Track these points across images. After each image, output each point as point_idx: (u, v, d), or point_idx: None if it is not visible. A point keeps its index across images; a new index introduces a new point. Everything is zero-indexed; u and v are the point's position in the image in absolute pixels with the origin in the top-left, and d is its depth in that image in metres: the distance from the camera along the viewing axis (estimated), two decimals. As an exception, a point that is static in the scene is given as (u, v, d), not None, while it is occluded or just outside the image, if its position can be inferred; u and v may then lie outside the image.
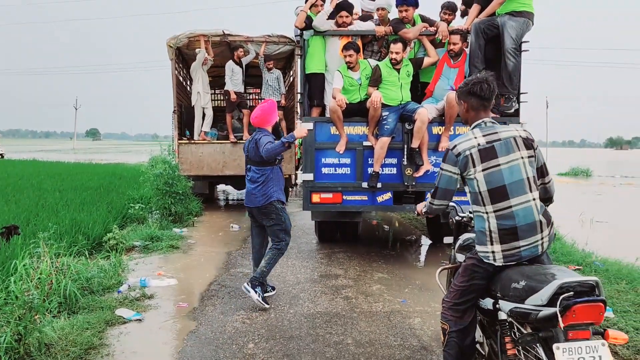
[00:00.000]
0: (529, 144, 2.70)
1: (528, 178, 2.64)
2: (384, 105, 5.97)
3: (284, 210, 5.02)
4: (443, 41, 6.14)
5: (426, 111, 5.87)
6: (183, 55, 11.69)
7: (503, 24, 5.83)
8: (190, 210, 9.88)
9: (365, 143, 6.16)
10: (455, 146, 2.79)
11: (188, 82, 12.51)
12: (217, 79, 13.08)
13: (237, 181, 12.17)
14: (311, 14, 6.37)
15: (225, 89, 10.90)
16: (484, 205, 2.65)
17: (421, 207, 3.20)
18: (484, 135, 2.73)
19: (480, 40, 5.89)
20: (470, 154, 2.70)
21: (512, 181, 2.62)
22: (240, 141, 10.85)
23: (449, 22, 6.26)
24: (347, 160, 6.22)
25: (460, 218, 3.32)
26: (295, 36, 6.62)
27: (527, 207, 2.60)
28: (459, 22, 6.47)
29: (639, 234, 9.60)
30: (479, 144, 2.71)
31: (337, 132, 6.15)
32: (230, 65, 10.70)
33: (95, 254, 6.46)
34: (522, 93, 6.04)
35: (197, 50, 10.59)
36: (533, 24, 5.91)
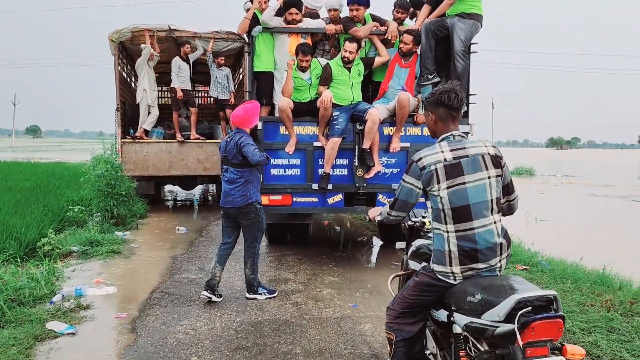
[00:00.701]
0: (497, 162, 2.57)
1: (492, 200, 2.52)
2: (334, 105, 5.85)
3: (262, 211, 5.08)
4: (392, 41, 6.07)
5: (377, 111, 5.79)
6: (127, 51, 11.21)
7: (452, 25, 5.81)
8: (134, 213, 9.46)
9: (316, 143, 6.02)
10: (420, 159, 2.59)
11: (133, 79, 12.06)
12: (163, 76, 12.66)
13: (184, 181, 11.82)
14: (258, 12, 6.17)
15: (171, 86, 10.53)
16: (446, 224, 2.53)
17: (374, 213, 3.06)
18: (451, 150, 2.56)
19: (431, 41, 5.86)
20: (436, 169, 2.53)
21: (477, 202, 2.49)
22: (188, 140, 10.54)
23: (401, 21, 6.21)
24: (297, 161, 6.06)
25: (412, 223, 3.22)
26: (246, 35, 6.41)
27: (488, 230, 2.49)
28: (408, 24, 6.42)
29: (581, 233, 9.92)
30: (445, 159, 2.54)
31: (287, 132, 5.98)
32: (176, 61, 10.34)
33: (27, 261, 6.02)
34: (471, 94, 6.06)
35: (141, 45, 10.15)
36: (482, 26, 5.93)
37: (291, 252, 7.17)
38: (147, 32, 10.14)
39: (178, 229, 8.81)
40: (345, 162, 6.08)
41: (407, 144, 6.05)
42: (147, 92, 10.26)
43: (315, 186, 6.00)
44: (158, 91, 14.55)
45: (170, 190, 15.25)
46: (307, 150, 6.03)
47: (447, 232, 2.52)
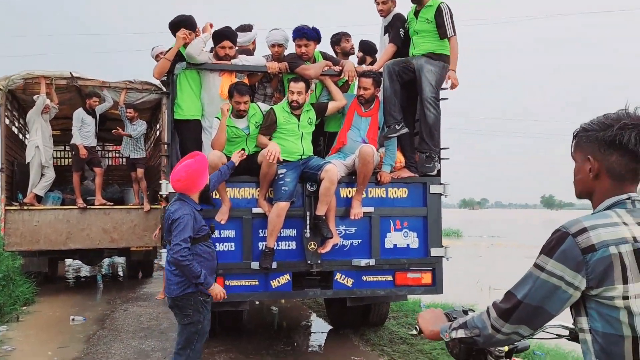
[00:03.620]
0: None
1: None
2: (279, 161, 4.61)
3: (207, 305, 3.72)
4: (350, 82, 5.02)
5: (336, 168, 4.60)
6: (19, 101, 9.49)
7: (420, 67, 4.87)
8: (15, 299, 7.49)
9: (255, 210, 4.71)
10: (584, 231, 1.35)
11: (26, 135, 10.27)
12: (66, 134, 10.95)
13: (87, 255, 9.94)
14: (183, 49, 4.90)
15: (72, 142, 8.88)
16: None
17: (435, 323, 1.66)
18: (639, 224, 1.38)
19: (396, 84, 4.86)
20: (620, 254, 1.32)
21: None
22: (91, 207, 8.82)
23: (348, 50, 5.28)
24: (231, 233, 4.70)
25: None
26: (162, 81, 5.11)
27: None
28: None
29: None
30: (635, 239, 1.34)
31: (217, 196, 4.64)
32: (79, 114, 8.77)
33: None
34: (443, 148, 5.06)
35: (35, 97, 8.53)
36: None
37: (221, 346, 5.64)
38: (43, 79, 8.56)
39: (73, 319, 6.96)
40: (293, 233, 4.78)
41: (370, 209, 4.87)
42: (39, 150, 8.53)
43: (255, 265, 4.63)
44: (59, 150, 12.84)
45: (71, 264, 13.07)
46: (244, 218, 4.69)
47: None
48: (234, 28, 5.20)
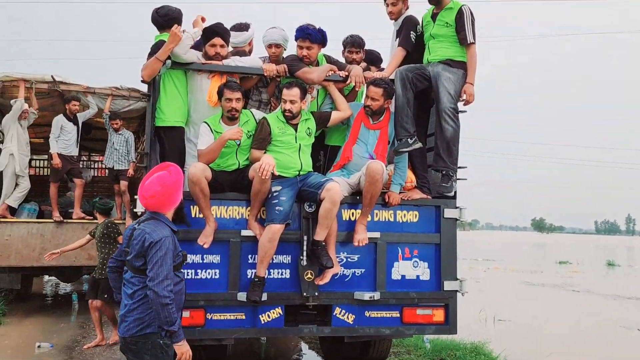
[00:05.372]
0: None
1: None
2: (274, 177, 4.00)
3: (168, 351, 2.99)
4: (357, 89, 4.43)
5: (339, 187, 3.99)
6: (-4, 105, 8.86)
7: (437, 75, 4.31)
8: (-23, 321, 6.78)
9: (245, 232, 4.07)
10: None
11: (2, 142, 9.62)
12: (48, 142, 10.31)
13: (63, 273, 9.23)
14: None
15: (50, 151, 8.23)
16: None
17: None
18: None
19: (409, 93, 4.28)
20: None
21: None
22: (68, 221, 8.15)
23: (357, 64, 4.60)
24: (215, 259, 4.06)
25: None
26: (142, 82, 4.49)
27: None
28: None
29: (551, 336, 8.47)
30: None
31: (201, 215, 4.02)
32: (58, 120, 8.15)
33: None
34: (461, 167, 4.47)
35: (12, 101, 7.92)
36: None
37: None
38: (22, 82, 7.96)
39: (39, 346, 6.26)
40: (287, 260, 4.15)
41: (377, 234, 4.24)
42: (14, 158, 7.89)
43: (242, 296, 3.99)
44: (41, 160, 12.19)
45: (49, 280, 12.33)
46: (232, 242, 4.06)
47: None
48: (228, 27, 4.61)
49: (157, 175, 3.07)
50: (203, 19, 4.31)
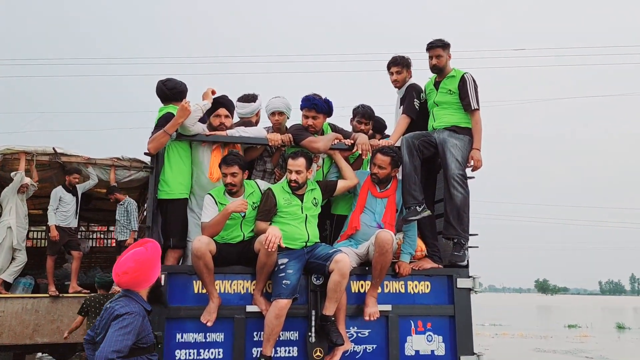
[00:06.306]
0: None
1: None
2: (280, 249, 3.87)
3: None
4: (364, 157, 4.38)
5: (348, 258, 3.85)
6: (-4, 178, 8.82)
7: (443, 142, 4.28)
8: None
9: (250, 308, 3.89)
10: None
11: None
12: (46, 213, 10.23)
13: (57, 350, 8.88)
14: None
15: (48, 223, 8.11)
16: None
17: None
18: None
19: (416, 160, 4.23)
20: None
21: None
22: (64, 295, 7.89)
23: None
24: (219, 337, 3.86)
25: None
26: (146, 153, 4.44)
27: None
28: None
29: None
30: None
31: (204, 291, 3.85)
32: (57, 192, 8.06)
33: None
34: (472, 235, 4.34)
35: (12, 174, 7.89)
36: None
37: None
38: (24, 155, 7.96)
39: None
40: (295, 336, 3.94)
41: (388, 307, 4.05)
42: (12, 231, 7.75)
43: (247, 378, 3.75)
44: (40, 231, 12.05)
45: (42, 358, 11.82)
46: (236, 318, 3.87)
47: None
48: (236, 98, 4.65)
49: (132, 251, 2.96)
50: (213, 92, 4.32)
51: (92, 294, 7.20)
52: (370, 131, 4.83)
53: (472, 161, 4.31)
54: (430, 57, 4.48)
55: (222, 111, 4.24)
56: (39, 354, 11.12)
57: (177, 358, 3.77)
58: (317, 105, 4.27)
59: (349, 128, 4.76)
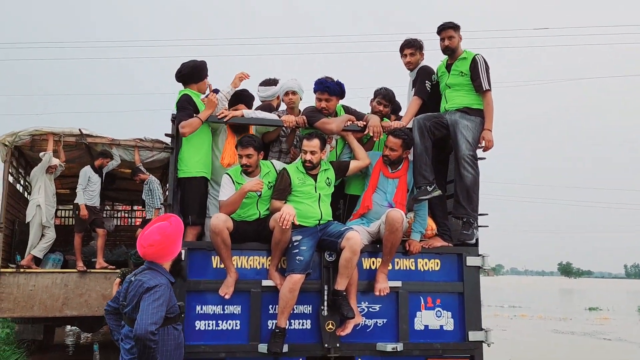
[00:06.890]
0: None
1: None
2: (294, 227, 4.03)
3: None
4: (375, 139, 4.49)
5: (359, 236, 4.00)
6: (25, 158, 9.16)
7: (454, 123, 4.37)
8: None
9: (265, 282, 4.09)
10: None
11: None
12: (74, 192, 10.53)
13: (85, 322, 9.27)
14: (199, 101, 4.49)
15: (75, 201, 8.42)
16: None
17: None
18: None
19: (427, 141, 4.34)
20: None
21: None
22: (91, 270, 8.23)
23: (382, 117, 4.66)
24: (236, 309, 4.06)
25: None
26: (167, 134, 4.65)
27: None
28: None
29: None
30: None
31: (222, 265, 4.05)
32: (86, 172, 8.35)
33: None
34: (482, 214, 4.45)
35: (41, 154, 8.18)
36: None
37: None
38: (51, 136, 8.22)
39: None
40: (308, 310, 4.13)
41: (398, 283, 4.21)
42: (41, 209, 8.06)
43: (263, 348, 3.96)
44: (67, 210, 12.42)
45: (71, 330, 12.34)
46: (252, 292, 4.07)
47: None
48: (258, 83, 4.86)
49: (157, 225, 3.11)
50: (241, 78, 4.52)
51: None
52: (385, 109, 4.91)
53: (484, 142, 4.38)
54: (442, 39, 4.54)
55: (241, 106, 4.46)
56: (68, 327, 11.66)
57: (197, 328, 4.00)
58: (329, 88, 4.40)
59: (368, 109, 4.85)
